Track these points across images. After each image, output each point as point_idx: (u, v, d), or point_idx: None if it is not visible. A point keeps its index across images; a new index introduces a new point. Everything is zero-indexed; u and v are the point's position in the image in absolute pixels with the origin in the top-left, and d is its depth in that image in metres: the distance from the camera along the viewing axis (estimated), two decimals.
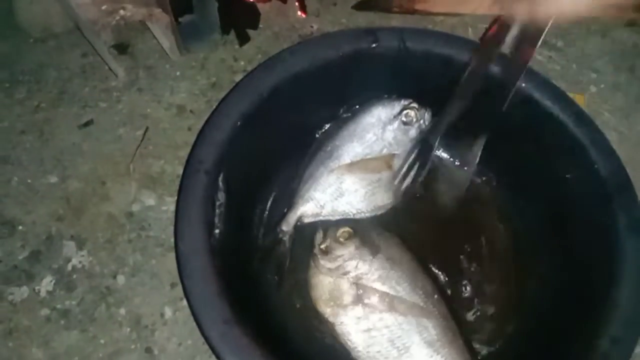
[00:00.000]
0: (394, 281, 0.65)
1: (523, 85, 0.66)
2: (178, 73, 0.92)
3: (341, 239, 0.68)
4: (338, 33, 0.78)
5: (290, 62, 0.70)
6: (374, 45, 0.70)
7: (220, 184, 0.68)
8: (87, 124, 0.87)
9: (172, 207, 0.79)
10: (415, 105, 0.72)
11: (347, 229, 0.68)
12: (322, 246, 0.68)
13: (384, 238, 0.70)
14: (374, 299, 0.64)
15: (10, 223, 0.78)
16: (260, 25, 0.98)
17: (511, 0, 0.56)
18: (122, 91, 0.90)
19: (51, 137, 0.86)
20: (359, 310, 0.64)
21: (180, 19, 0.92)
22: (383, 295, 0.64)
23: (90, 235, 0.77)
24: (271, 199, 0.78)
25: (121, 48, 0.92)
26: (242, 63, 0.94)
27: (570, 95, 0.69)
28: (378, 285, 0.65)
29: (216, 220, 0.67)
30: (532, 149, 0.71)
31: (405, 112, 0.72)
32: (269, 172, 0.78)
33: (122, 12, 0.78)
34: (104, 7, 0.79)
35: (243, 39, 0.96)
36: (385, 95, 0.74)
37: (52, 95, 0.90)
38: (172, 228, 0.75)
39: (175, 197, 0.80)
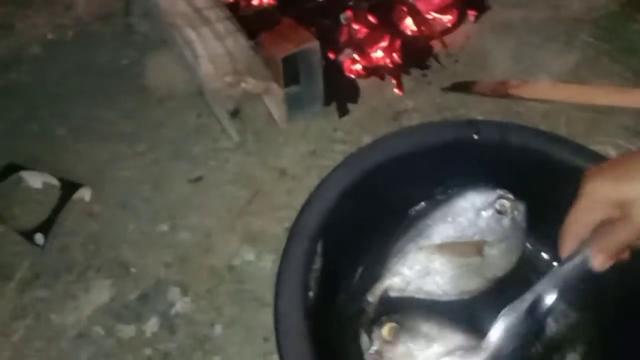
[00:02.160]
0: None
1: None
2: (282, 139, 1.00)
3: (388, 338, 0.65)
4: (442, 123, 0.83)
5: (395, 145, 0.76)
6: (475, 136, 0.75)
7: (319, 249, 0.73)
8: (197, 180, 0.96)
9: (270, 264, 0.85)
10: (510, 196, 0.75)
11: (392, 324, 0.66)
12: (372, 351, 0.66)
13: (433, 324, 0.68)
14: None
15: (124, 265, 0.87)
16: (359, 100, 1.05)
17: None
18: (231, 152, 0.99)
19: (165, 189, 0.95)
20: None
21: (287, 89, 1.00)
22: None
23: (194, 283, 0.84)
24: (361, 268, 0.82)
25: (233, 112, 1.02)
26: (340, 134, 1.01)
27: None
28: None
29: (311, 283, 0.72)
30: None
31: (500, 201, 0.75)
32: (362, 243, 0.82)
33: (243, 84, 0.88)
34: (227, 79, 0.88)
35: (343, 112, 1.03)
36: (482, 183, 0.77)
37: (168, 151, 1.00)
38: (268, 283, 0.81)
39: (273, 255, 0.87)
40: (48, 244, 0.89)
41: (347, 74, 1.07)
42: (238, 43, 0.93)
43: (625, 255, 0.50)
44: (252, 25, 1.00)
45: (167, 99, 1.07)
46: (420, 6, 1.12)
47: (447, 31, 1.13)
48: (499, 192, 0.76)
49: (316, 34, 1.00)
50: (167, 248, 0.88)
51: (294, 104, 1.02)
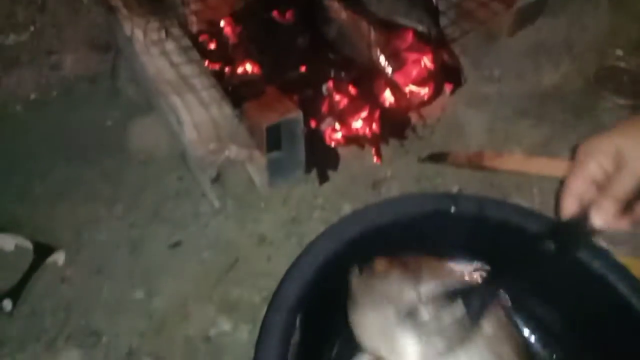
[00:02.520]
0: None
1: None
2: (262, 204, 1.01)
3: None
4: (420, 195, 0.85)
5: (375, 216, 0.77)
6: (452, 209, 0.77)
7: (298, 323, 0.73)
8: (176, 245, 0.95)
9: (246, 335, 0.84)
10: (487, 267, 0.76)
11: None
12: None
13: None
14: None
15: (96, 333, 0.84)
16: (340, 167, 1.07)
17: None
18: (210, 216, 0.99)
19: (142, 254, 0.94)
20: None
21: (269, 155, 1.02)
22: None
23: (168, 355, 0.82)
24: (339, 342, 0.82)
25: (214, 178, 1.03)
26: (321, 201, 1.02)
27: None
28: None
29: (289, 357, 0.70)
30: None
31: (475, 272, 0.76)
32: (341, 316, 0.82)
33: (226, 152, 0.89)
34: (211, 146, 0.90)
35: (323, 179, 1.05)
36: (459, 254, 0.79)
37: (148, 214, 0.99)
38: (244, 354, 0.79)
39: (249, 325, 0.85)
40: (16, 311, 0.86)
41: (328, 142, 1.10)
42: (222, 111, 0.95)
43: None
44: (237, 93, 1.02)
45: (149, 161, 1.07)
46: (399, 79, 1.17)
47: (424, 103, 1.17)
48: (476, 264, 0.77)
49: (299, 103, 1.04)
50: (141, 316, 0.86)
51: (275, 170, 1.03)
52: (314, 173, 1.06)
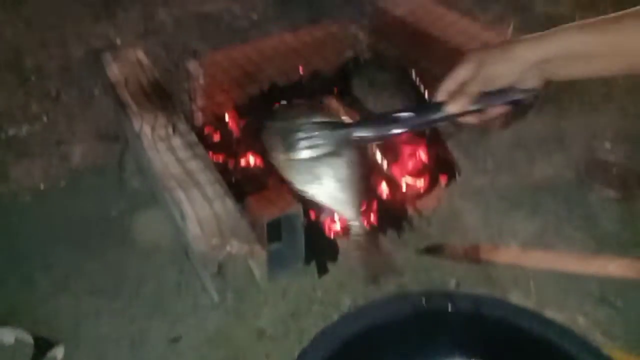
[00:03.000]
0: None
1: None
2: (262, 298, 1.02)
3: None
4: (415, 296, 0.87)
5: (372, 315, 0.78)
6: (449, 308, 0.78)
7: None
8: (175, 340, 0.95)
9: None
10: None
11: None
12: None
13: None
14: None
15: None
16: (339, 259, 1.09)
17: None
18: (210, 310, 1.00)
19: (142, 349, 0.94)
20: None
21: (269, 247, 1.04)
22: None
23: None
24: None
25: (215, 272, 1.04)
26: (320, 294, 1.03)
27: None
28: None
29: None
30: None
31: None
32: None
33: (228, 247, 0.91)
34: (213, 241, 0.92)
35: (322, 271, 1.06)
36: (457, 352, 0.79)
37: (148, 308, 1.00)
38: None
39: None
40: None
41: (327, 233, 1.12)
42: (226, 206, 0.98)
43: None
44: (239, 187, 1.06)
45: (151, 253, 1.09)
46: (395, 171, 1.21)
47: (420, 195, 1.21)
48: None
49: (298, 195, 1.07)
50: None
51: (275, 262, 1.05)
52: (313, 265, 1.07)
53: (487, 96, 0.70)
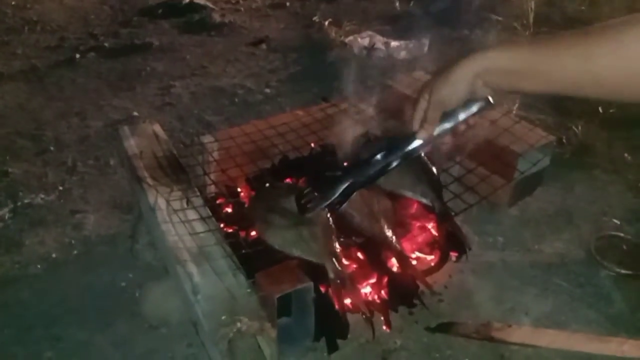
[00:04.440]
0: None
1: None
2: None
3: None
4: None
5: None
6: None
7: None
8: None
9: None
10: None
11: None
12: None
13: None
14: None
15: None
16: (349, 335, 1.08)
17: None
18: None
19: None
20: None
21: (278, 321, 1.03)
22: None
23: None
24: None
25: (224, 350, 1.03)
26: None
27: None
28: None
29: None
30: None
31: None
32: None
33: (238, 324, 0.91)
34: (223, 317, 0.92)
35: (332, 348, 1.05)
36: None
37: None
38: None
39: None
40: None
41: (337, 308, 1.11)
42: (237, 281, 0.99)
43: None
44: (250, 261, 1.07)
45: (160, 326, 1.09)
46: (405, 246, 1.22)
47: (430, 270, 1.21)
48: None
49: (309, 269, 1.07)
50: None
51: (284, 337, 1.03)
52: (322, 341, 1.06)
53: (450, 116, 0.81)
